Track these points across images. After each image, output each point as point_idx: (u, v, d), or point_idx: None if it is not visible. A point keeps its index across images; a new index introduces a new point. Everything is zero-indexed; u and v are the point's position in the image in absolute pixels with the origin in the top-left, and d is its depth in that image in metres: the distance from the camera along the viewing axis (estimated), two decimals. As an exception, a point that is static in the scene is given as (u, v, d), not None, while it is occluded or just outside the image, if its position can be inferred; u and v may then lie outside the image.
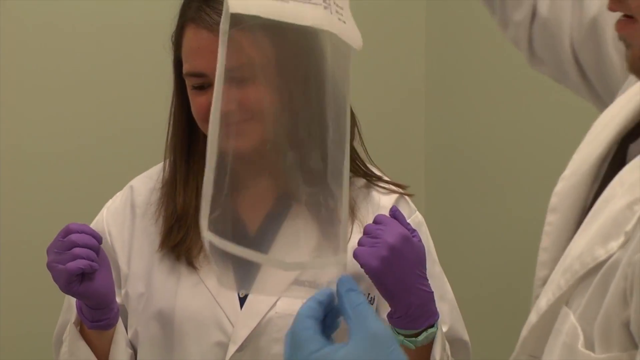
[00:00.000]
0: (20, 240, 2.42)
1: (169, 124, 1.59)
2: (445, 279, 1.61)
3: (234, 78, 1.48)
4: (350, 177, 1.59)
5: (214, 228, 0.95)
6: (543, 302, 0.97)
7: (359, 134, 1.62)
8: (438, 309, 1.48)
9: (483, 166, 2.61)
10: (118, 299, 1.58)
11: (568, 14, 1.22)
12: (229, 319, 1.53)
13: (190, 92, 1.54)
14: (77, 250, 1.45)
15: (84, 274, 1.48)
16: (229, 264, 0.99)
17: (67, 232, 1.47)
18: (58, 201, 2.44)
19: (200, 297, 1.55)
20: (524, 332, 0.99)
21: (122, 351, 1.56)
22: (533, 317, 0.98)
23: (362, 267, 1.43)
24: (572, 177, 1.00)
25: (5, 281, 2.42)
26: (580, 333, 0.91)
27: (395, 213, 1.48)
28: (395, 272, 1.42)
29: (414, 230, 1.48)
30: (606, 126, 1.00)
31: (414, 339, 1.46)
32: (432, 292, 1.47)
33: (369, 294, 1.55)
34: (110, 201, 1.66)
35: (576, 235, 0.96)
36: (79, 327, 1.55)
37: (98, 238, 1.49)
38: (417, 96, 2.76)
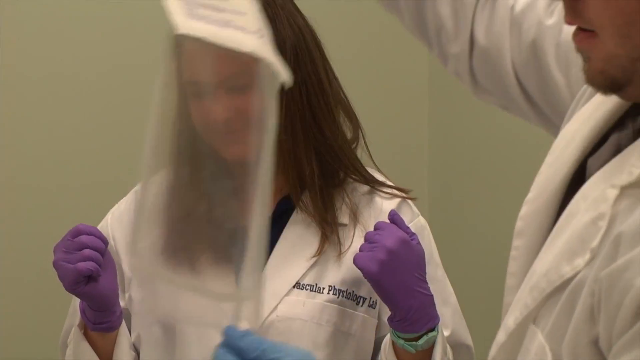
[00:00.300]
0: (20, 243, 2.42)
1: (171, 130, 1.60)
2: (448, 283, 1.61)
3: (232, 87, 1.50)
4: (353, 183, 1.59)
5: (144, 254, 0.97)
6: (511, 320, 0.96)
7: (363, 139, 1.62)
8: (440, 313, 1.48)
9: (486, 169, 2.60)
10: (122, 303, 1.59)
11: (507, 40, 1.20)
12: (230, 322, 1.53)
13: (189, 100, 1.54)
14: (87, 251, 1.47)
15: (90, 276, 1.49)
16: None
17: (76, 232, 1.49)
18: (61, 205, 2.44)
19: (202, 300, 1.54)
20: (492, 351, 0.99)
21: (126, 353, 1.56)
22: (501, 337, 0.97)
23: (360, 271, 1.44)
24: (537, 200, 0.99)
25: (5, 282, 2.42)
26: (549, 352, 0.90)
27: (393, 217, 1.48)
28: (394, 276, 1.42)
29: (413, 234, 1.48)
30: (568, 146, 0.99)
31: (414, 342, 1.46)
32: (432, 296, 1.47)
33: (370, 297, 1.55)
34: (116, 206, 1.67)
35: (541, 251, 0.95)
36: (82, 330, 1.56)
37: (105, 241, 1.51)
38: (421, 99, 2.75)
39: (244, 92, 1.50)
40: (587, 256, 0.88)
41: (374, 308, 1.56)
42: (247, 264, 1.00)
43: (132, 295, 1.60)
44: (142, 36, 2.43)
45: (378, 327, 1.57)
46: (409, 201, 1.62)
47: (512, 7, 1.20)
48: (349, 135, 1.60)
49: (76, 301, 1.57)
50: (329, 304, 1.54)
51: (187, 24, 0.97)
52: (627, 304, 0.82)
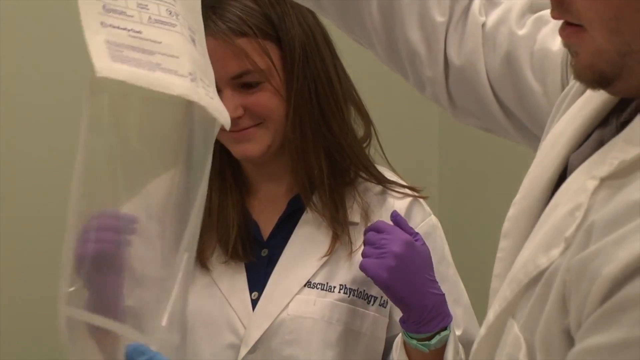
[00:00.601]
0: (20, 242, 2.42)
1: (186, 128, 1.60)
2: (460, 282, 1.61)
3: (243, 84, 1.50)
4: (365, 182, 1.59)
5: (73, 301, 0.96)
6: (491, 314, 0.96)
7: (377, 138, 1.61)
8: (452, 312, 1.48)
9: (498, 167, 2.59)
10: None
11: (480, 56, 1.19)
12: (241, 321, 1.53)
13: None
14: (91, 234, 1.46)
15: (101, 261, 1.48)
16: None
17: (93, 217, 1.48)
18: (62, 204, 2.44)
19: (212, 298, 1.55)
20: (475, 345, 0.99)
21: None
22: (482, 330, 0.98)
23: (371, 279, 1.44)
24: (524, 201, 0.99)
25: (5, 282, 2.42)
26: (523, 343, 0.90)
27: (396, 218, 1.48)
28: (405, 280, 1.42)
29: (417, 234, 1.48)
30: (554, 146, 0.99)
31: (427, 342, 1.45)
32: (444, 295, 1.47)
33: (381, 296, 1.55)
34: (126, 205, 1.66)
35: (524, 247, 0.95)
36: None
37: (127, 219, 1.49)
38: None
39: (251, 90, 1.50)
40: (562, 246, 0.88)
41: (385, 307, 1.56)
42: (169, 309, 1.00)
43: (142, 293, 1.60)
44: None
45: (389, 326, 1.57)
46: (421, 200, 1.61)
47: (484, 24, 1.19)
48: (360, 133, 1.60)
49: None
50: (339, 302, 1.54)
51: (108, 67, 0.94)
52: (594, 291, 0.82)
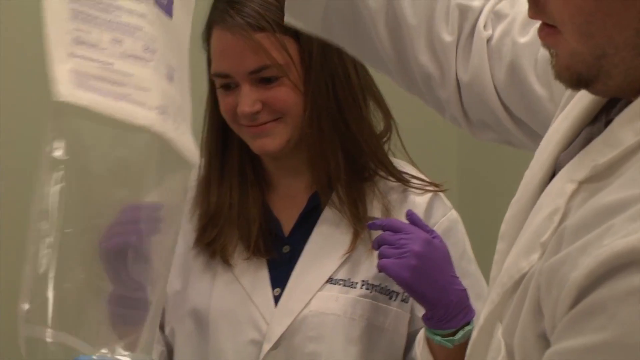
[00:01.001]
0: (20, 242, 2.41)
1: (204, 122, 1.59)
2: (482, 277, 1.60)
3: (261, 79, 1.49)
4: (384, 179, 1.58)
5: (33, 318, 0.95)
6: (482, 317, 0.97)
7: (397, 133, 1.61)
8: (474, 307, 1.47)
9: (516, 161, 2.58)
10: (153, 297, 1.59)
11: (486, 70, 1.19)
12: (263, 317, 1.53)
13: (218, 92, 1.55)
14: (117, 228, 1.45)
15: (126, 255, 1.47)
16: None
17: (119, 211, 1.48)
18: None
19: (235, 295, 1.55)
20: (469, 347, 1.00)
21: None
22: (474, 333, 0.99)
23: (393, 279, 1.44)
24: (518, 202, 0.99)
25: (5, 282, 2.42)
26: (503, 347, 0.91)
27: (412, 217, 1.48)
28: (428, 279, 1.42)
29: (433, 231, 1.48)
30: (547, 146, 0.99)
31: (451, 337, 1.45)
32: (466, 290, 1.47)
33: (403, 292, 1.55)
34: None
35: (511, 250, 0.95)
36: (112, 323, 1.55)
37: (152, 208, 1.49)
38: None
39: (270, 85, 1.50)
40: (540, 251, 0.88)
41: (407, 302, 1.56)
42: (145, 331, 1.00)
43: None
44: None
45: (410, 321, 1.57)
46: (441, 194, 1.61)
47: (490, 38, 1.19)
48: (381, 127, 1.60)
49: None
50: (362, 298, 1.53)
51: (69, 93, 0.91)
52: (563, 297, 0.82)
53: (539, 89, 1.14)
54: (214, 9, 1.54)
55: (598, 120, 0.95)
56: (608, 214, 0.82)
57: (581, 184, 0.88)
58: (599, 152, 0.87)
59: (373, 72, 1.61)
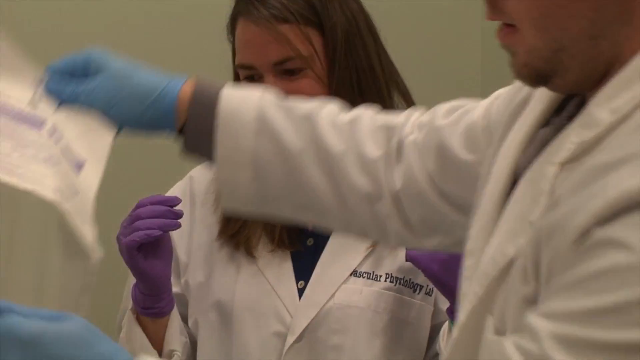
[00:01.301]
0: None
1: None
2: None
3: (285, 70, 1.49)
4: None
5: None
6: (461, 315, 0.95)
7: None
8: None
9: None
10: (177, 288, 1.59)
11: (417, 165, 1.16)
12: (287, 310, 1.53)
13: (242, 84, 1.54)
14: (138, 223, 1.46)
15: (148, 249, 1.48)
16: None
17: (137, 206, 1.48)
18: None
19: (259, 287, 1.55)
20: (448, 348, 0.97)
21: (176, 338, 1.56)
22: (454, 333, 0.96)
23: (422, 271, 1.43)
24: (482, 217, 0.98)
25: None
26: (491, 325, 0.89)
27: None
28: (455, 273, 1.41)
29: None
30: (504, 159, 0.98)
31: (476, 330, 1.44)
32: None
33: (427, 285, 1.54)
34: (170, 191, 1.66)
35: (488, 244, 0.94)
36: (136, 314, 1.56)
37: (170, 202, 1.49)
38: (473, 86, 2.74)
39: (293, 77, 1.51)
40: (529, 231, 0.87)
41: (431, 295, 1.56)
42: None
43: (189, 281, 1.60)
44: (142, 35, 2.41)
45: (434, 314, 1.56)
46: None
47: (415, 140, 1.17)
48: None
49: (130, 284, 1.57)
50: (386, 291, 1.53)
51: None
52: (568, 238, 0.81)
53: (466, 156, 1.13)
54: (239, 0, 1.54)
55: (550, 123, 0.96)
56: (608, 169, 0.82)
57: (563, 165, 0.88)
58: (578, 134, 0.88)
59: (399, 65, 1.61)
